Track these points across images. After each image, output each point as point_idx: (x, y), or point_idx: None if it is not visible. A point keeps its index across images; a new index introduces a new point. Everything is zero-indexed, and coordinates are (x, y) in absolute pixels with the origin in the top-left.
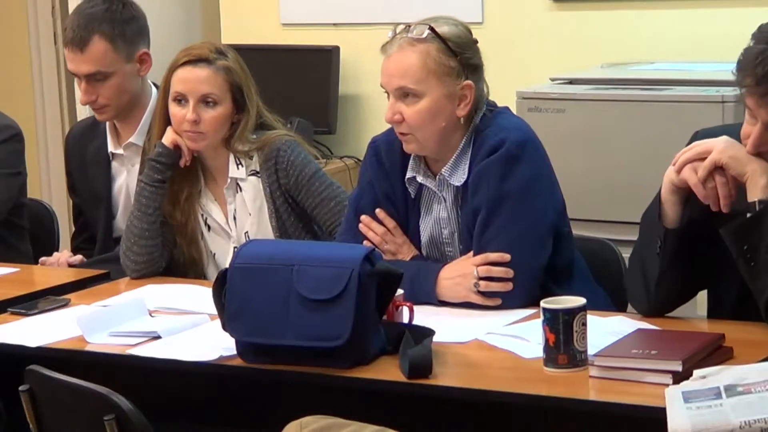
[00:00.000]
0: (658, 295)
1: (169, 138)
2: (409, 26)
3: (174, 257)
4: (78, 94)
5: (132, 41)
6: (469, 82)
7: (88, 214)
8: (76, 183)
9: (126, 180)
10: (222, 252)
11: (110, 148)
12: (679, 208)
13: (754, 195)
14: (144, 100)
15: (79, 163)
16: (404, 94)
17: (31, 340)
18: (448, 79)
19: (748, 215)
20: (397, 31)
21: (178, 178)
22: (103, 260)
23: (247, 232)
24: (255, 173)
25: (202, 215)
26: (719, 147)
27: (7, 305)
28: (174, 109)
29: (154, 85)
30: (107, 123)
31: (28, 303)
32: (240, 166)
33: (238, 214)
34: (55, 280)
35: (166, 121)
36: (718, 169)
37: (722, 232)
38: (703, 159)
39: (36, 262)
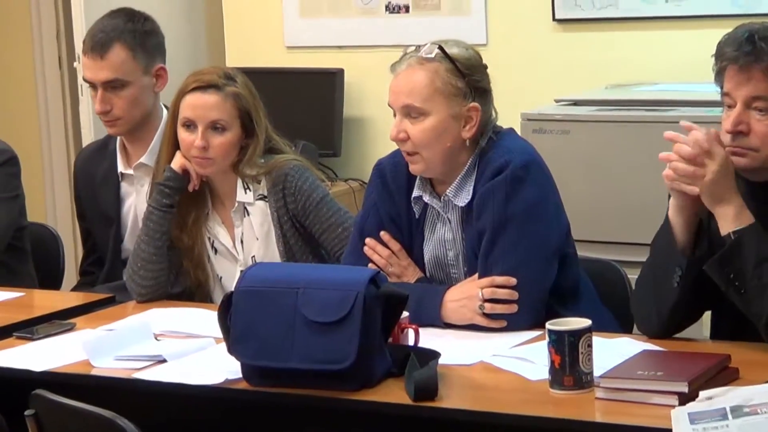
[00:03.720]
0: (671, 320)
1: (178, 163)
2: (420, 47)
3: (180, 280)
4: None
5: (151, 54)
6: (475, 104)
7: (97, 237)
8: (84, 206)
9: (135, 201)
10: (228, 275)
11: (120, 168)
12: (688, 231)
13: (725, 228)
14: (155, 120)
15: (88, 185)
16: (410, 112)
17: (36, 364)
18: (455, 99)
19: (725, 247)
20: (408, 51)
21: (185, 202)
22: (109, 288)
23: (254, 256)
24: (263, 197)
25: (209, 238)
26: (703, 184)
27: (12, 329)
28: (183, 135)
29: (166, 107)
30: (117, 143)
31: (33, 327)
32: (248, 191)
33: (245, 238)
34: (61, 304)
35: (175, 146)
36: None
37: (707, 269)
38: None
39: (40, 286)
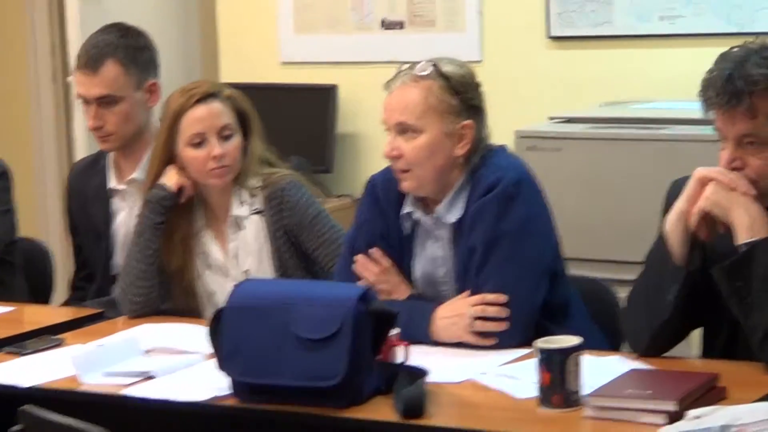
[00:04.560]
0: (662, 336)
1: (174, 180)
2: (414, 64)
3: (170, 296)
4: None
5: (144, 69)
6: (469, 121)
7: (88, 252)
8: (76, 221)
9: (126, 216)
10: (221, 291)
11: (111, 183)
12: (686, 244)
13: (740, 238)
14: (148, 135)
15: (80, 200)
16: (404, 130)
17: (24, 379)
18: (448, 116)
19: (737, 255)
20: (402, 69)
21: (176, 225)
22: (99, 304)
23: (247, 270)
24: (258, 212)
25: (202, 253)
26: (705, 193)
27: (1, 344)
28: (192, 153)
29: None
30: (108, 159)
31: (22, 342)
32: (243, 204)
33: (239, 252)
34: (50, 319)
35: (164, 164)
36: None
37: (714, 272)
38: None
39: (30, 301)
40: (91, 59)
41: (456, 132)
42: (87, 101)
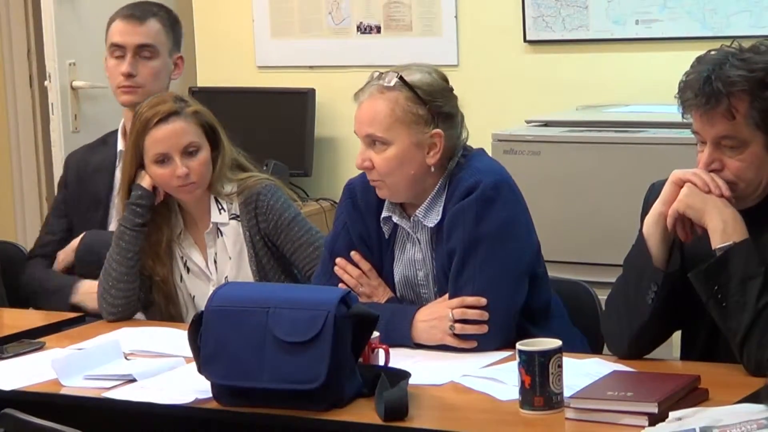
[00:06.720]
0: (641, 339)
1: (147, 181)
2: (383, 74)
3: (150, 297)
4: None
5: (177, 40)
6: (438, 130)
7: (78, 226)
8: (69, 195)
9: None
10: (201, 295)
11: (120, 146)
12: (665, 246)
13: (714, 242)
14: None
15: (79, 172)
16: (373, 142)
17: (5, 383)
18: (416, 127)
19: (713, 259)
20: (371, 79)
21: (160, 229)
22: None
23: (227, 276)
24: (235, 217)
25: (182, 257)
26: (679, 196)
27: None
28: (158, 171)
29: None
30: (119, 129)
31: (2, 346)
32: (222, 211)
33: (218, 258)
34: (30, 323)
35: (135, 170)
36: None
37: (691, 276)
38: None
39: (10, 304)
40: (138, 10)
41: (426, 141)
42: (123, 50)
